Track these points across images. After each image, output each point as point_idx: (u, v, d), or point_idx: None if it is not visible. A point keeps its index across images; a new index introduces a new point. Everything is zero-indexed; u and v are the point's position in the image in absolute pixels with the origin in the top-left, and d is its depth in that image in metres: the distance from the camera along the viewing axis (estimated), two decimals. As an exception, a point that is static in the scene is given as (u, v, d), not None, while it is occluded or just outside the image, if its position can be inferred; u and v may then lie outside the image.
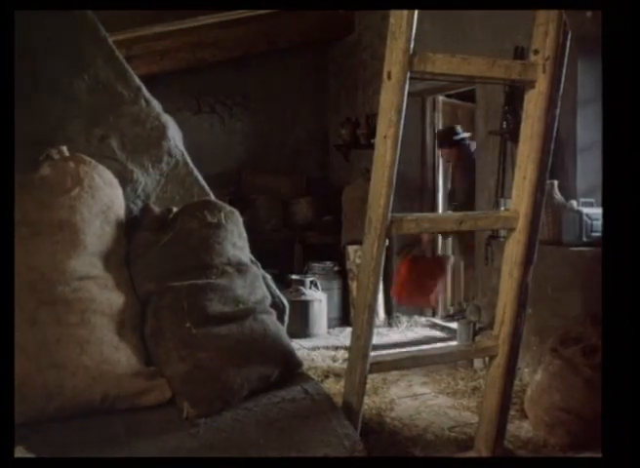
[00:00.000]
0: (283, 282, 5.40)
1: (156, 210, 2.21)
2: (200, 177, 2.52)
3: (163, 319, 2.00)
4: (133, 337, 1.97)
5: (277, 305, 2.34)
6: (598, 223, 3.58)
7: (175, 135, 2.44)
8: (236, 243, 2.17)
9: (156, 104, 2.44)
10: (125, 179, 2.29)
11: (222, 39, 5.53)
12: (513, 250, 2.41)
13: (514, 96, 3.96)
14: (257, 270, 2.22)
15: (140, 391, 1.86)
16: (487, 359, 2.69)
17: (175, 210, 2.21)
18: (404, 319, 5.63)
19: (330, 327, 5.50)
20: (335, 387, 3.81)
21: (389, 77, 2.02)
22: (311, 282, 5.38)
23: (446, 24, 4.78)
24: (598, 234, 3.56)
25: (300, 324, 5.16)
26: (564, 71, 2.39)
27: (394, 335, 5.32)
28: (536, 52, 2.30)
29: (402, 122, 2.05)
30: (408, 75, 2.02)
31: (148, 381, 1.88)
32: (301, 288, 5.30)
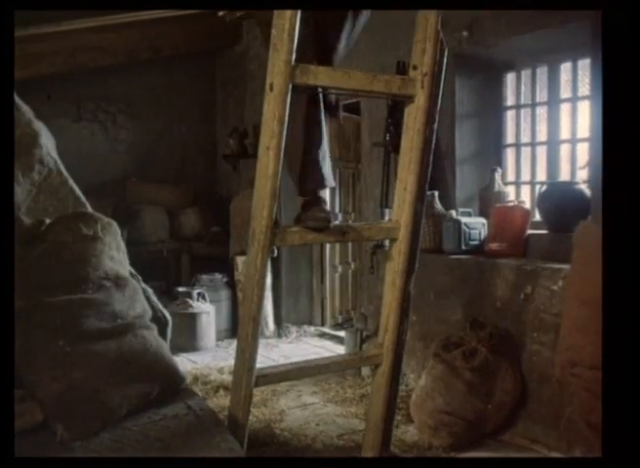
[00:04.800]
0: (170, 294, 5.28)
1: (27, 221, 2.08)
2: (76, 187, 2.41)
3: (34, 338, 1.88)
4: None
5: (159, 319, 2.28)
6: (475, 232, 3.74)
7: (47, 142, 2.32)
8: (114, 256, 2.08)
9: (27, 110, 2.31)
10: (-9, 189, 2.14)
11: (104, 44, 5.32)
12: (396, 259, 2.47)
13: (397, 109, 4.07)
14: (136, 284, 2.14)
15: (6, 416, 1.74)
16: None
17: (47, 221, 2.10)
18: (294, 329, 5.65)
19: (219, 339, 5.42)
20: (225, 401, 3.74)
21: (271, 88, 2.02)
22: (199, 294, 5.27)
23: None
24: (475, 242, 3.73)
25: (188, 337, 5.05)
26: (441, 87, 2.49)
27: (284, 346, 5.32)
28: (414, 68, 2.37)
29: (284, 133, 2.05)
30: (290, 87, 2.03)
31: (16, 405, 1.76)
32: (188, 300, 5.19)
